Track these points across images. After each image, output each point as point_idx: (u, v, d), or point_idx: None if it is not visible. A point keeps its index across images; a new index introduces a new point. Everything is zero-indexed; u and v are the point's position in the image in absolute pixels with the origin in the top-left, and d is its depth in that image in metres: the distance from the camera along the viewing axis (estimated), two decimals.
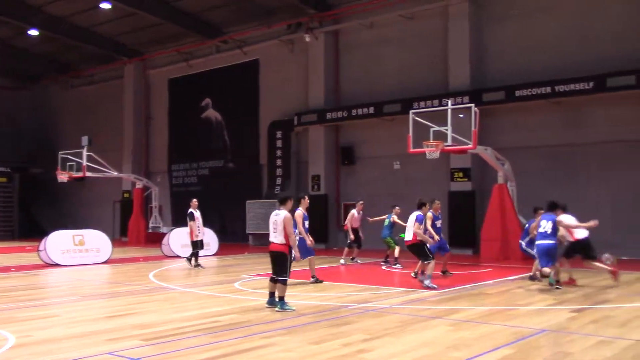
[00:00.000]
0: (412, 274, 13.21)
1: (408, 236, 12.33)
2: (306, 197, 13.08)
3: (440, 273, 14.02)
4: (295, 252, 11.06)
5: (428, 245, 12.35)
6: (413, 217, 12.28)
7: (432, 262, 12.12)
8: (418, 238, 12.16)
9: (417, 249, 12.29)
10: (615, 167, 19.07)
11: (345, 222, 17.87)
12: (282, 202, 9.84)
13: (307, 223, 12.86)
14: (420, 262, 12.58)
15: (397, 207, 17.06)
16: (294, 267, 12.87)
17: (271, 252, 9.70)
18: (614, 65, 18.49)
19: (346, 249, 17.52)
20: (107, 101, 35.07)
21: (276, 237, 9.59)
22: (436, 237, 13.40)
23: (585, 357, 6.66)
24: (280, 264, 9.57)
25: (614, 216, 18.92)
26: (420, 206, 12.48)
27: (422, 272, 12.52)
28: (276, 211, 9.75)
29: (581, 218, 19.43)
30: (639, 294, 11.51)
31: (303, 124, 25.64)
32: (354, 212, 17.48)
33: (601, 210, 19.10)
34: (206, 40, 29.16)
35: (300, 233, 12.52)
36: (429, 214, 13.31)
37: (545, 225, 12.09)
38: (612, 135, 19.05)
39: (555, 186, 19.78)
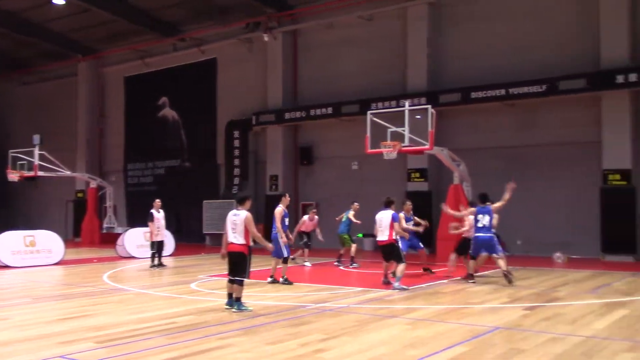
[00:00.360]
0: (383, 281, 12.68)
1: (382, 236, 12.10)
2: (287, 195, 13.28)
3: (422, 270, 14.25)
4: (282, 241, 12.13)
5: (400, 244, 12.46)
6: (387, 216, 12.04)
7: (404, 265, 12.05)
8: (394, 237, 12.08)
9: (392, 250, 12.15)
10: (566, 168, 19.55)
11: (299, 225, 17.83)
12: (241, 202, 9.77)
13: (287, 220, 13.00)
14: (385, 264, 12.56)
15: (355, 203, 17.16)
16: (256, 267, 12.91)
17: (230, 252, 9.61)
18: (566, 69, 18.97)
19: (306, 250, 17.50)
20: (60, 99, 34.31)
21: (235, 238, 9.51)
22: (407, 235, 13.45)
23: (537, 353, 6.82)
24: (240, 265, 9.51)
25: (566, 216, 19.43)
26: (388, 204, 12.26)
27: (386, 275, 12.55)
28: (235, 211, 9.67)
29: (534, 217, 19.97)
30: (588, 291, 11.83)
31: (261, 123, 25.54)
32: (305, 218, 17.55)
33: (553, 210, 19.65)
34: (163, 38, 28.79)
35: (278, 230, 12.60)
36: (401, 215, 13.44)
37: (483, 219, 12.71)
38: (564, 136, 19.53)
39: None
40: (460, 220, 14.12)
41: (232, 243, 9.56)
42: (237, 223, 9.51)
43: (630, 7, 18.37)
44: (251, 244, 9.64)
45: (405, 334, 7.88)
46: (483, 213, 12.83)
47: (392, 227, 12.01)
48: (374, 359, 6.68)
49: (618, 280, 13.39)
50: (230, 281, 9.64)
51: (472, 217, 13.31)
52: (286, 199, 13.12)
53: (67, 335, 7.90)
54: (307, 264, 17.13)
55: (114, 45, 31.04)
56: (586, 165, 19.09)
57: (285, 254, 12.83)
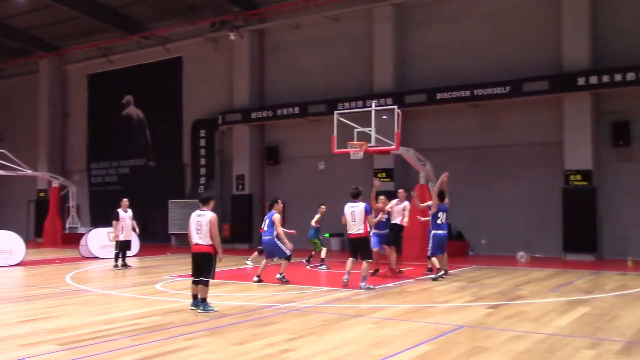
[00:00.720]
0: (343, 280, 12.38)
1: (357, 229, 11.82)
2: (279, 201, 13.42)
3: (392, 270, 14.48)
4: (288, 246, 12.65)
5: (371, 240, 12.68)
6: (360, 209, 11.76)
7: (369, 263, 12.09)
8: (368, 230, 12.05)
9: (365, 244, 11.97)
10: (530, 168, 19.87)
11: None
12: (205, 202, 9.74)
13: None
14: (350, 260, 12.21)
15: (322, 206, 17.04)
16: (224, 267, 12.83)
17: (195, 253, 9.57)
18: (529, 71, 19.28)
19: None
20: (21, 97, 33.57)
21: (201, 239, 9.48)
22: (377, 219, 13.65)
23: (500, 351, 6.92)
24: (206, 265, 9.46)
25: (529, 215, 19.76)
26: (357, 195, 12.01)
27: (349, 272, 12.34)
28: (199, 211, 9.62)
29: (498, 217, 20.28)
30: (550, 290, 12.05)
31: (227, 123, 25.39)
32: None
33: (517, 210, 19.97)
34: (127, 35, 28.40)
35: (280, 236, 12.84)
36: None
37: (442, 216, 13.48)
38: (528, 137, 19.83)
39: (473, 186, 20.46)
40: (424, 211, 15.03)
41: (197, 244, 9.51)
42: (202, 224, 9.47)
43: (590, 11, 18.75)
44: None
45: (371, 333, 7.92)
46: (442, 210, 13.53)
47: (366, 219, 11.85)
48: (340, 358, 6.69)
49: (579, 279, 13.67)
50: (195, 282, 9.58)
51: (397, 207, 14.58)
52: (279, 205, 13.25)
53: (29, 337, 7.74)
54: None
55: (77, 42, 30.50)
56: (549, 166, 19.44)
57: (288, 253, 12.97)
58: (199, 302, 9.49)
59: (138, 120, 29.47)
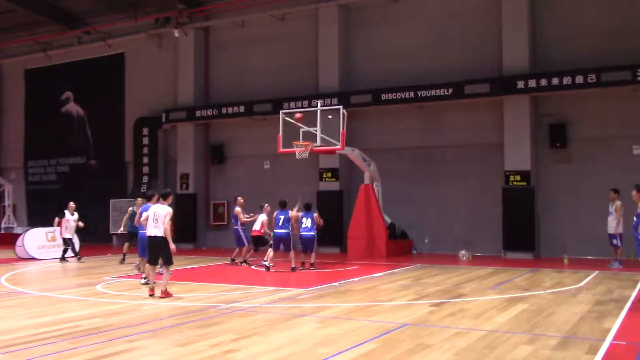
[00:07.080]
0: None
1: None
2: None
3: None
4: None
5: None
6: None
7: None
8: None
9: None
10: (472, 168, 20.27)
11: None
12: None
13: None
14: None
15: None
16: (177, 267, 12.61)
17: None
18: (471, 74, 19.69)
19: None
20: None
21: None
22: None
23: (442, 347, 7.04)
24: None
25: (469, 214, 20.17)
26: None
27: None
28: None
29: (441, 216, 20.62)
30: (490, 287, 12.33)
31: (171, 121, 25.01)
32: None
33: (459, 209, 20.36)
34: (67, 30, 27.61)
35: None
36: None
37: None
38: (470, 138, 20.23)
39: (417, 186, 20.76)
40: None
41: None
42: None
43: (529, 18, 19.27)
44: None
45: (315, 332, 7.93)
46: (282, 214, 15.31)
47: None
48: (284, 357, 6.68)
49: (518, 277, 14.02)
50: None
51: None
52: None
53: None
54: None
55: (13, 37, 29.45)
56: (490, 166, 19.87)
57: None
58: None
59: (78, 117, 28.71)
